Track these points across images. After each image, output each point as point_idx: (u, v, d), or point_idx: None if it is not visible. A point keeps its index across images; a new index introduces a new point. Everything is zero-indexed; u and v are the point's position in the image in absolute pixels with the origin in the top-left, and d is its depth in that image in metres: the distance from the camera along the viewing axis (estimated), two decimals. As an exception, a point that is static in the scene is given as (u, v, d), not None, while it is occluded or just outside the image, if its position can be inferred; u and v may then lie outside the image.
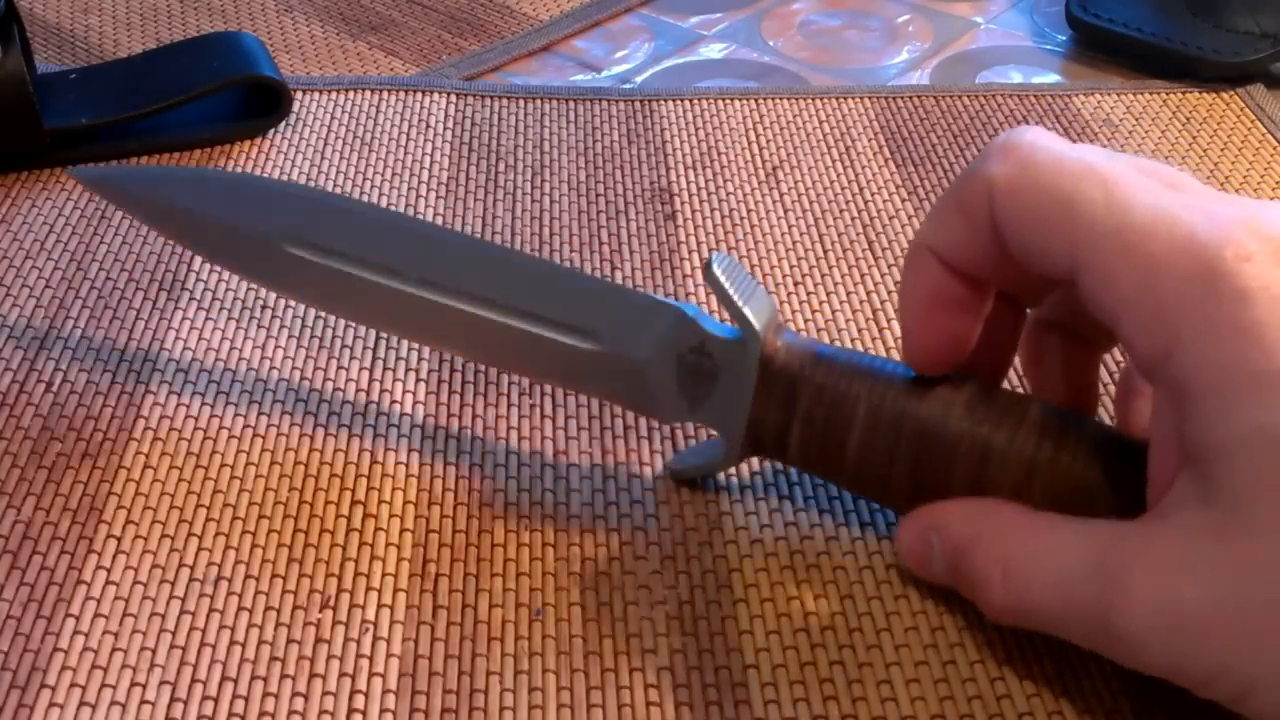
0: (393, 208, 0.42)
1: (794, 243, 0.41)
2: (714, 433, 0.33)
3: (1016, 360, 0.32)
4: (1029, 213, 0.26)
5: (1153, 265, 0.24)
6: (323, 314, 0.37)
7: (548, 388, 0.35)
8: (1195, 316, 0.23)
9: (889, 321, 0.38)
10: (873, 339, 0.37)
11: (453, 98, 0.49)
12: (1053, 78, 0.53)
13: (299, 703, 0.27)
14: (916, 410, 0.28)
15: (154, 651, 0.28)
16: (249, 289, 0.39)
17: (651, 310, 0.31)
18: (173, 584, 0.30)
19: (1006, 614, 0.27)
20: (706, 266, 0.30)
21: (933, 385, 0.29)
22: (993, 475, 0.28)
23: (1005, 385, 0.35)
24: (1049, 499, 0.27)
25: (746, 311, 0.29)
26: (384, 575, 0.30)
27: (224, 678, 0.28)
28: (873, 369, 0.29)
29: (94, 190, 0.36)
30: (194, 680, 0.27)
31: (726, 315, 0.30)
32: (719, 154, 0.46)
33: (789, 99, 0.49)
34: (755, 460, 0.33)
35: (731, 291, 0.29)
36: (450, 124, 0.47)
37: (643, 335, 0.30)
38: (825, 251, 0.41)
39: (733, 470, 0.33)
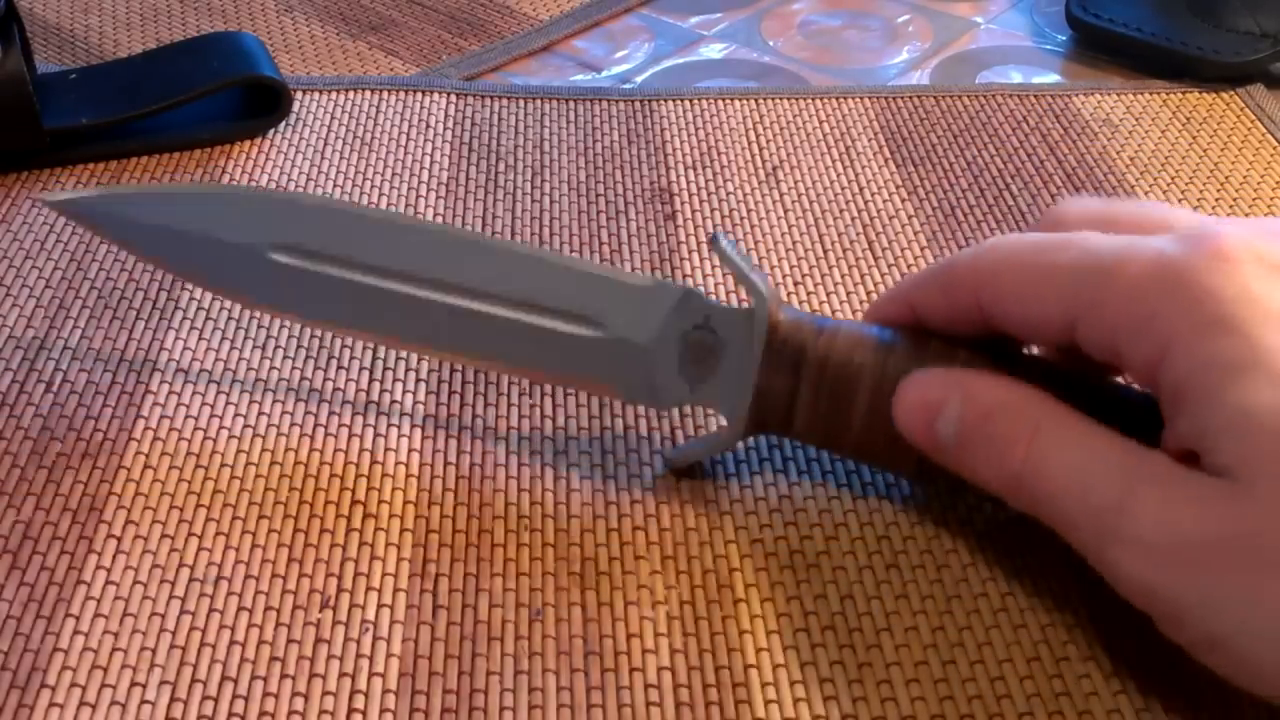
0: (392, 208, 0.42)
1: (794, 243, 0.41)
2: (714, 428, 0.33)
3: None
4: (1023, 299, 0.28)
5: (1134, 289, 0.26)
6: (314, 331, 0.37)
7: (548, 387, 0.35)
8: (1176, 322, 0.25)
9: (889, 321, 0.38)
10: (873, 339, 0.37)
11: (453, 98, 0.49)
12: (1053, 78, 0.53)
13: (299, 703, 0.27)
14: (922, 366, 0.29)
15: (154, 651, 0.28)
16: (249, 289, 0.39)
17: (654, 291, 0.31)
18: (173, 584, 0.30)
19: (1014, 481, 0.27)
20: (712, 240, 0.31)
21: (932, 346, 0.29)
22: None
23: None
24: None
25: (754, 278, 0.30)
26: (384, 575, 0.30)
27: (224, 678, 0.28)
28: (875, 336, 0.30)
29: (69, 217, 0.34)
30: (194, 680, 0.28)
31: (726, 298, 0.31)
32: (719, 154, 0.46)
33: (789, 99, 0.49)
34: (756, 461, 0.33)
35: (739, 261, 0.30)
36: (450, 124, 0.47)
37: (646, 317, 0.31)
38: (825, 251, 0.41)
39: (733, 470, 0.33)
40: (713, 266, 0.40)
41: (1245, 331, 0.24)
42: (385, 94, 0.49)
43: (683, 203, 0.43)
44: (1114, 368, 0.28)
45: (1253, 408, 0.24)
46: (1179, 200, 0.44)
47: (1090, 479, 0.26)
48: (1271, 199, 0.44)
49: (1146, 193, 0.44)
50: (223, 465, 0.33)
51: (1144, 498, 0.25)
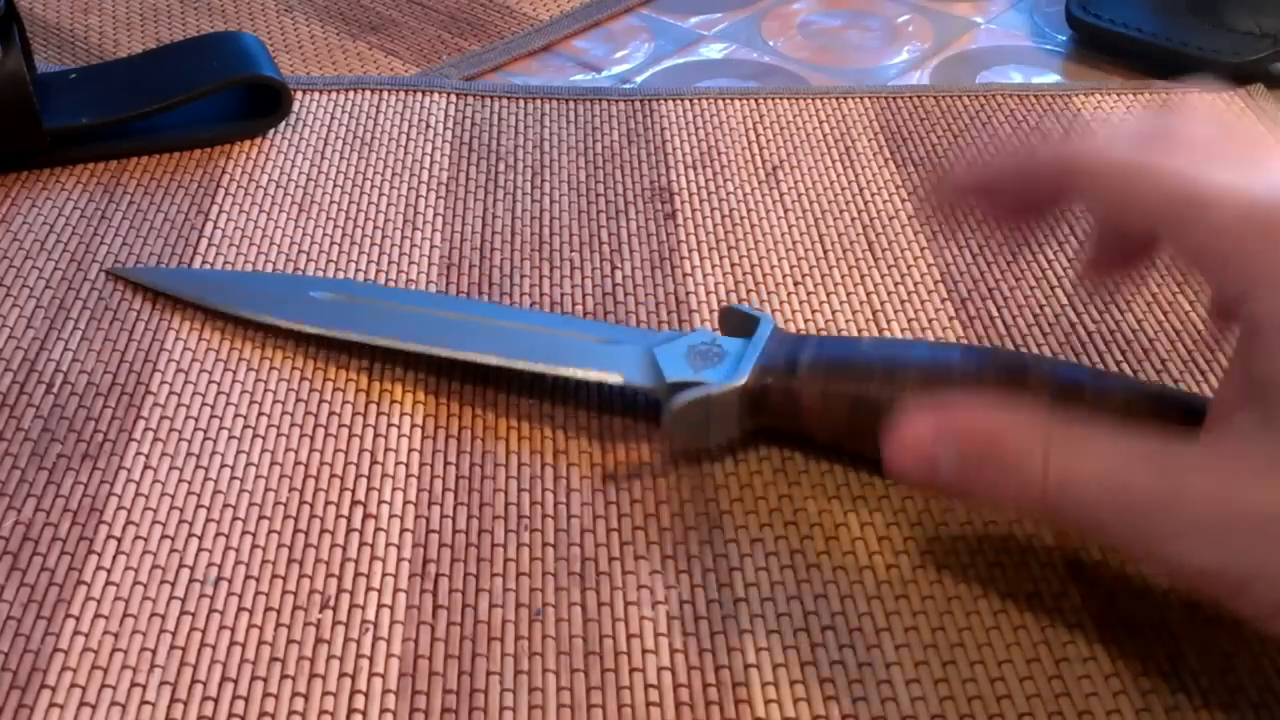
0: (392, 208, 0.42)
1: (794, 243, 0.41)
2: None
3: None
4: (1114, 195, 0.28)
5: (1224, 225, 0.26)
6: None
7: (547, 387, 0.35)
8: (1260, 265, 0.25)
9: (888, 322, 0.38)
10: (873, 339, 0.37)
11: (453, 98, 0.49)
12: (1053, 78, 0.53)
13: (299, 703, 0.27)
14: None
15: (154, 652, 0.28)
16: (249, 289, 0.39)
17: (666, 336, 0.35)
18: (173, 585, 0.30)
19: (1039, 502, 0.26)
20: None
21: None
22: None
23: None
24: None
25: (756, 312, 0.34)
26: (384, 575, 0.30)
27: (224, 678, 0.28)
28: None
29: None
30: (194, 681, 0.28)
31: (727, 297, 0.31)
32: (719, 154, 0.46)
33: (789, 99, 0.49)
34: (756, 460, 0.33)
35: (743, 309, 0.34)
36: (450, 124, 0.47)
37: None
38: (825, 251, 0.41)
39: (733, 469, 0.33)
40: (713, 266, 0.40)
41: None
42: (385, 94, 0.49)
43: (683, 202, 0.43)
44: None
45: None
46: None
47: (1125, 482, 0.25)
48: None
49: (1146, 193, 0.44)
50: (223, 466, 0.33)
51: (1195, 484, 0.25)
